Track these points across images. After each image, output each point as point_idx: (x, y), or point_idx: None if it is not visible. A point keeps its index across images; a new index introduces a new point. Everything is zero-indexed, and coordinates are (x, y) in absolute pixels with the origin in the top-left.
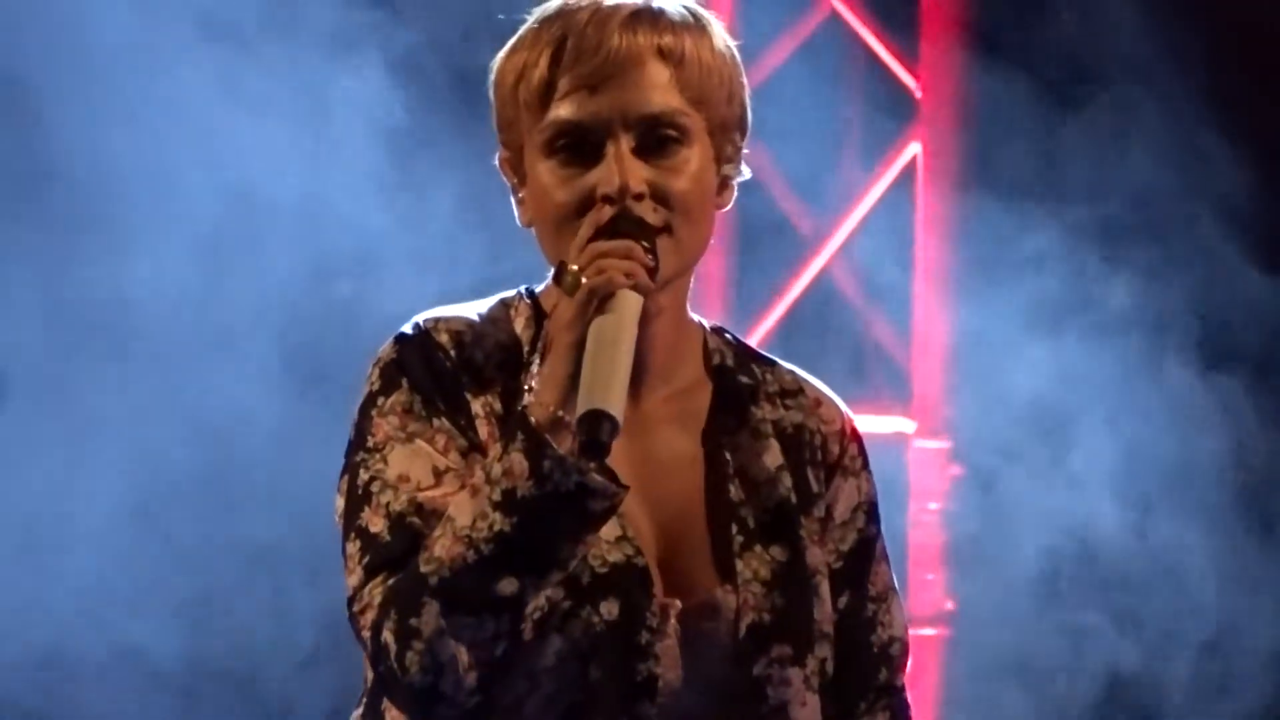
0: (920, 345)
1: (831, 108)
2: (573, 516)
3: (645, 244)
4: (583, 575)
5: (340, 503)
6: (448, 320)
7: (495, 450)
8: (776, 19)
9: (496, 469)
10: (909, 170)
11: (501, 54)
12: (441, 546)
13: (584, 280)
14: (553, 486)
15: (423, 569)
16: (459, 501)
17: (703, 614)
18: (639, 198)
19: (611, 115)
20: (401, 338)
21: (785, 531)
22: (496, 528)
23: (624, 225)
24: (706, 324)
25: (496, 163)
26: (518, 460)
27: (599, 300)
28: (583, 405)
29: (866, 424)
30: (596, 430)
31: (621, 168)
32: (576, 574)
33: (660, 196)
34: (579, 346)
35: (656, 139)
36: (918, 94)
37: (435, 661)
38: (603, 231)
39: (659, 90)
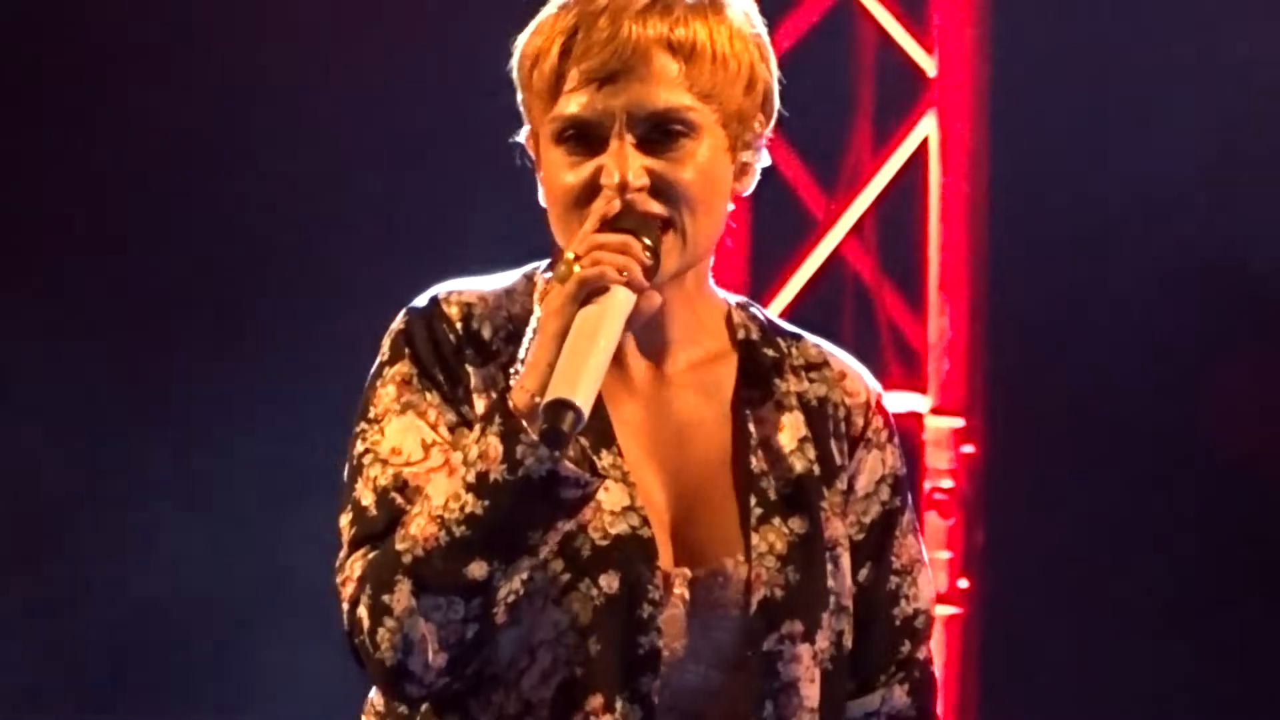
0: (934, 324)
1: (845, 86)
2: (544, 503)
3: (647, 240)
4: (582, 548)
5: (347, 466)
6: (460, 292)
7: (475, 432)
8: None
9: (473, 451)
10: (922, 148)
11: (523, 34)
12: (417, 525)
13: (576, 270)
14: (525, 472)
15: (398, 546)
16: (437, 480)
17: (713, 584)
18: (639, 191)
19: (616, 111)
20: (412, 310)
21: (805, 505)
22: (468, 510)
23: (628, 220)
24: (732, 299)
25: (522, 140)
26: (493, 444)
27: (588, 292)
28: (549, 394)
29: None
30: (558, 420)
31: (622, 164)
32: (576, 546)
33: (662, 190)
34: (563, 335)
35: (662, 133)
36: (931, 72)
37: (406, 640)
38: (608, 224)
39: (665, 86)
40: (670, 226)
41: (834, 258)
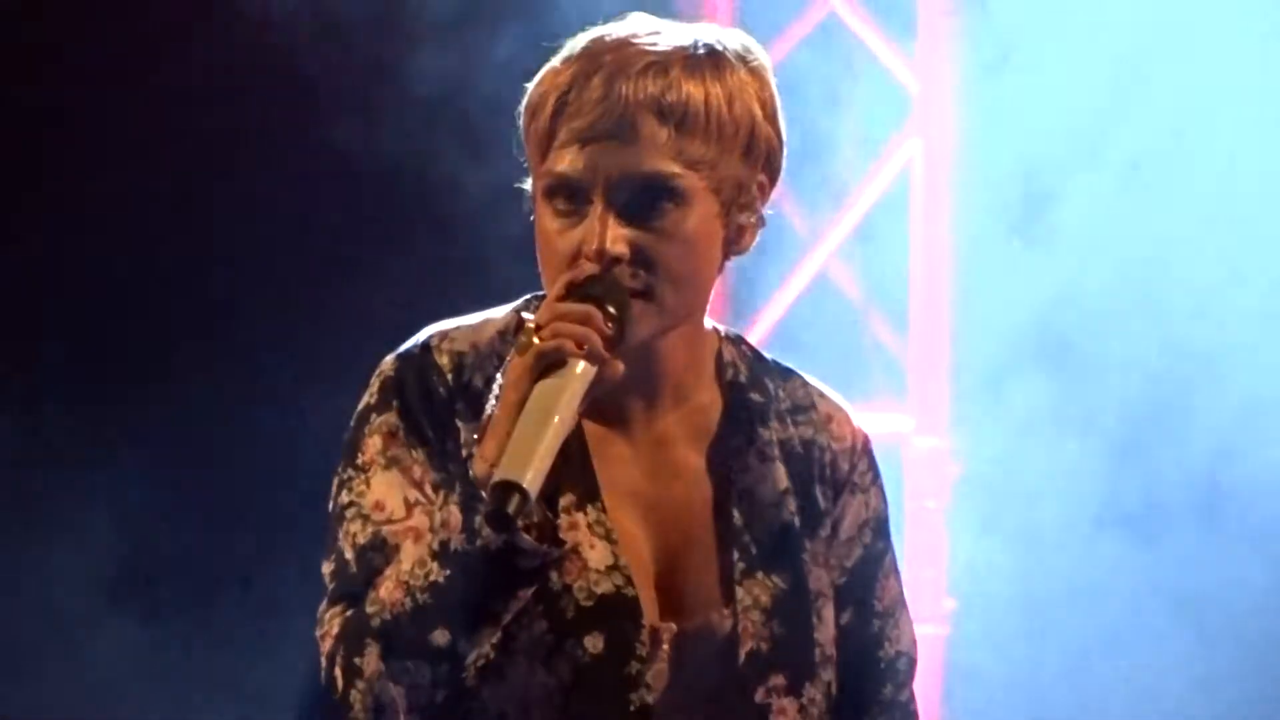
0: (918, 343)
1: (830, 106)
2: (503, 573)
3: (611, 309)
4: (567, 609)
5: (331, 507)
6: (453, 339)
7: (441, 497)
8: (776, 18)
9: (438, 517)
10: (907, 168)
11: (532, 83)
12: (386, 589)
13: (536, 341)
14: (483, 543)
15: (368, 609)
16: (407, 545)
17: (699, 639)
18: (617, 261)
19: (599, 174)
20: (403, 356)
21: (788, 557)
22: (432, 578)
23: (595, 286)
24: (723, 331)
25: (528, 186)
26: (454, 513)
27: (546, 364)
28: (497, 474)
29: (864, 422)
30: (504, 502)
31: (601, 231)
32: (561, 607)
33: (643, 261)
34: (522, 406)
35: (647, 200)
36: (915, 92)
37: (377, 702)
38: (576, 287)
39: (652, 152)
40: (644, 296)
41: (819, 277)
